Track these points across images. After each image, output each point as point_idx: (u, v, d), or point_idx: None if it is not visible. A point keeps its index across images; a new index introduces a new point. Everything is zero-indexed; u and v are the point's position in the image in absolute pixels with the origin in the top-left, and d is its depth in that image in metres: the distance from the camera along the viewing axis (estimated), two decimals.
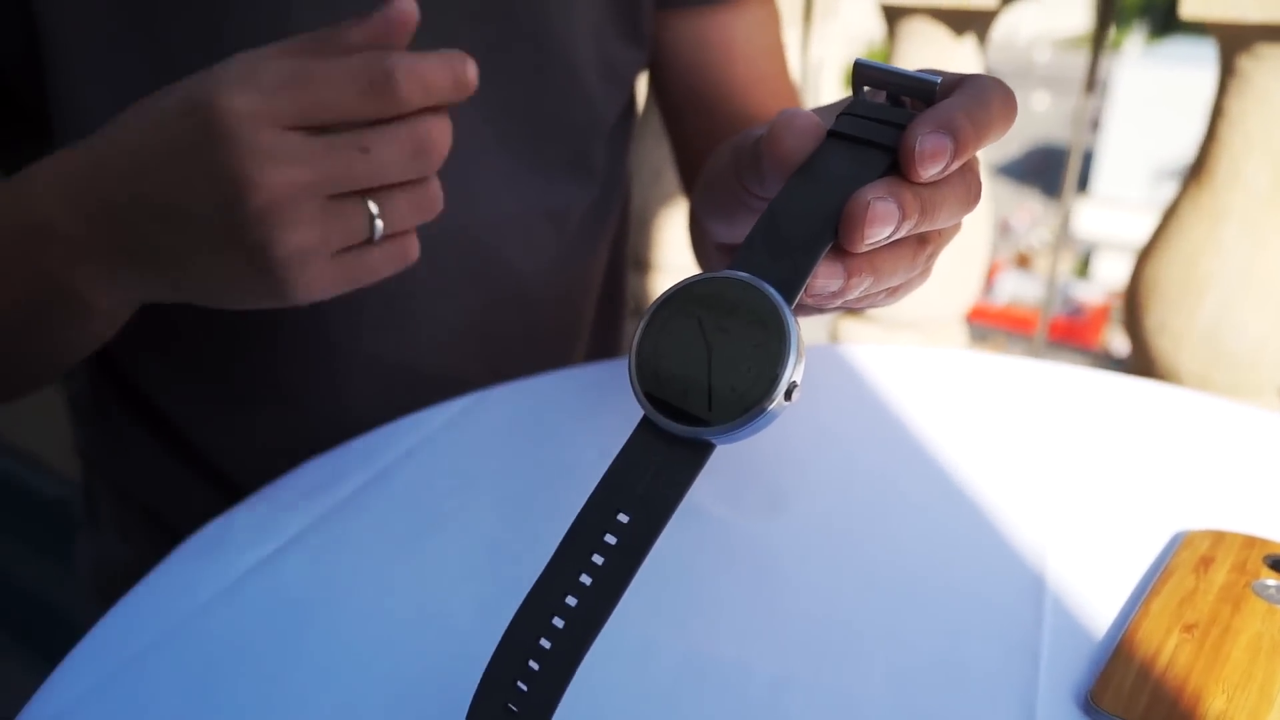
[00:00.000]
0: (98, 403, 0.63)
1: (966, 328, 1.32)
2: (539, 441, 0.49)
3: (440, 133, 0.37)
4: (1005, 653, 0.36)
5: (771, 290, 0.29)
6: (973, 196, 0.33)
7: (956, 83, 0.32)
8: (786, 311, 0.28)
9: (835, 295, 0.31)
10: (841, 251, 0.30)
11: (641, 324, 0.30)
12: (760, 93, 0.67)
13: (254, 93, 0.34)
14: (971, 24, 1.08)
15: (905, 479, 0.47)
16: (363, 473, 0.46)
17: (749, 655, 0.35)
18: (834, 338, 1.33)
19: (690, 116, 0.68)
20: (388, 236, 0.39)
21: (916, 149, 0.30)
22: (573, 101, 0.60)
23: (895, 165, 0.31)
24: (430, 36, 0.53)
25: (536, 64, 0.57)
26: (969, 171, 0.33)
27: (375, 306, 0.57)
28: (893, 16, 1.12)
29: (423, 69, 0.36)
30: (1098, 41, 1.27)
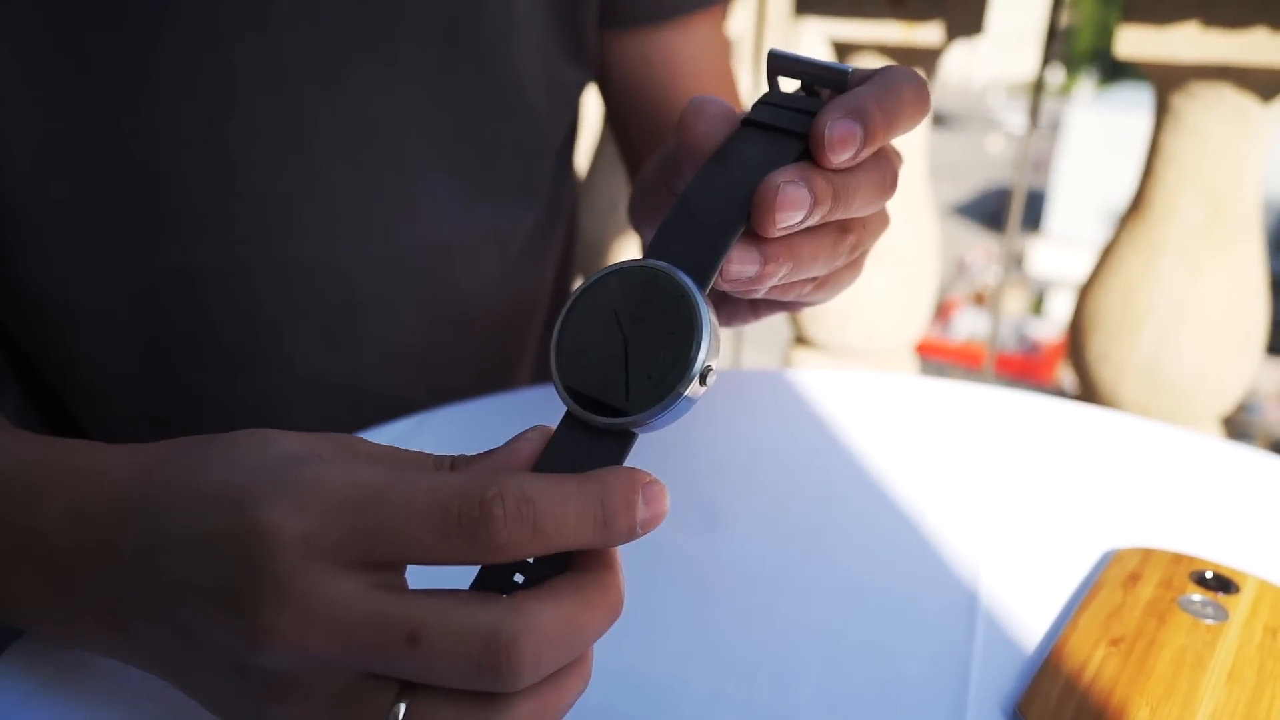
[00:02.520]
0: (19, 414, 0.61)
1: (918, 360, 1.33)
2: None
3: (530, 644, 0.24)
4: (937, 666, 0.36)
5: (684, 276, 0.29)
6: (888, 185, 0.33)
7: (869, 75, 0.33)
8: (699, 296, 0.28)
9: (753, 281, 0.31)
10: (757, 237, 0.31)
11: (561, 318, 0.30)
12: None
13: (315, 515, 0.25)
14: (918, 61, 1.10)
15: (843, 498, 0.47)
16: None
17: (682, 671, 0.35)
18: (786, 364, 1.34)
19: (638, 137, 0.68)
20: None
21: (826, 134, 0.30)
22: (518, 122, 0.60)
23: (808, 152, 0.31)
24: (373, 59, 0.53)
25: (481, 85, 0.57)
26: (884, 160, 0.33)
27: (316, 327, 0.57)
28: (842, 52, 1.14)
29: (548, 507, 0.25)
30: (1038, 86, 1.30)
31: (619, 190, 1.30)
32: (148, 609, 0.28)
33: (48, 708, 0.32)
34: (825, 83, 0.33)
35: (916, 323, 1.21)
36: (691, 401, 0.28)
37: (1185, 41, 0.83)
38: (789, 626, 0.38)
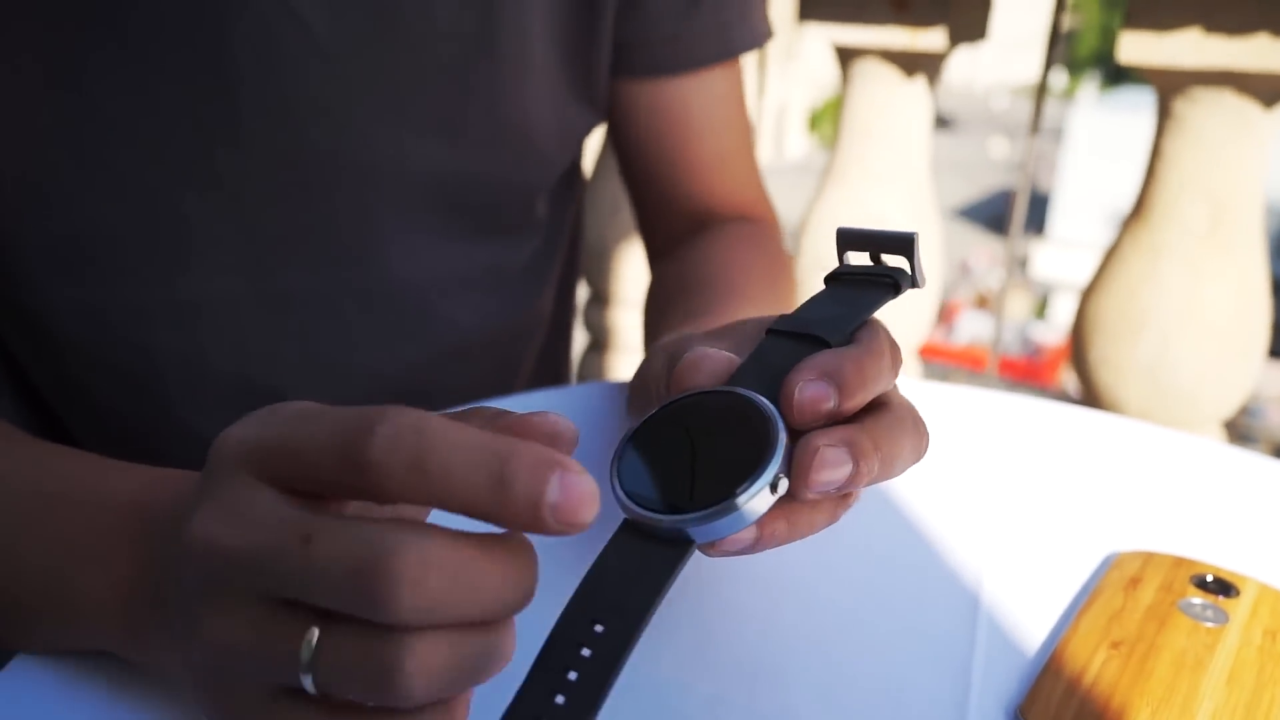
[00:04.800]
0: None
1: (921, 363, 1.34)
2: None
3: (419, 567, 0.23)
4: (938, 671, 0.36)
5: (757, 395, 0.30)
6: (923, 443, 0.33)
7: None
8: (773, 411, 0.29)
9: (749, 548, 0.30)
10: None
11: (626, 435, 0.30)
12: (718, 171, 0.65)
13: (254, 426, 0.27)
14: (921, 66, 1.11)
15: None
16: None
17: (684, 674, 0.35)
18: None
19: (645, 185, 0.67)
20: (325, 701, 0.25)
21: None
22: (526, 166, 0.59)
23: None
24: (380, 100, 0.52)
25: (491, 128, 0.56)
26: (916, 417, 0.33)
27: (308, 360, 0.57)
28: (845, 57, 1.15)
29: (437, 442, 0.24)
30: (1041, 88, 1.31)
31: (620, 193, 1.30)
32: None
33: (75, 699, 0.33)
34: (891, 250, 0.34)
35: (920, 326, 1.21)
36: (756, 513, 0.28)
37: (1187, 47, 0.84)
38: (790, 630, 0.38)
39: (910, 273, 0.34)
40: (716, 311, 0.49)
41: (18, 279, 0.51)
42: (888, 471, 0.30)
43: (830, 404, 0.29)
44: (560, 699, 0.25)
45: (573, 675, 0.25)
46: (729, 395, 0.30)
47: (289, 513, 0.25)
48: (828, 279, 0.35)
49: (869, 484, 0.30)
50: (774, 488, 0.28)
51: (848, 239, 0.35)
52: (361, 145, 0.52)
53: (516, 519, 0.23)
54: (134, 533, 0.31)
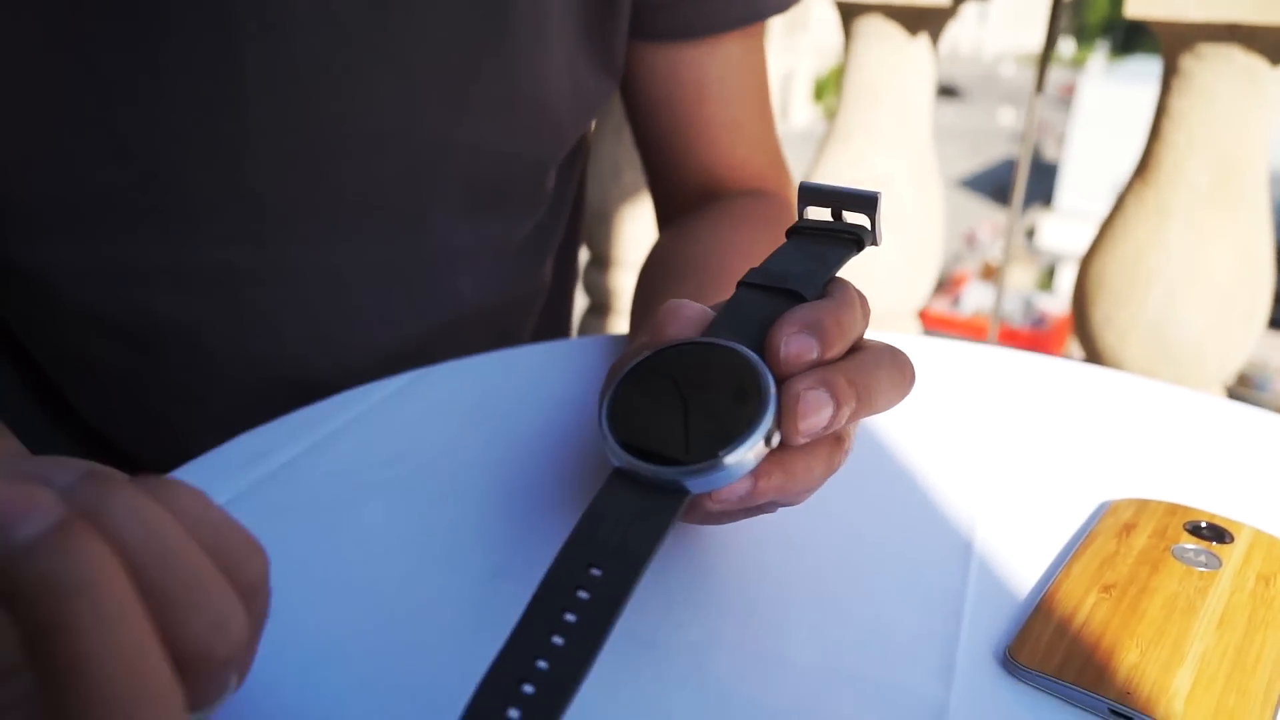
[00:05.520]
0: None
1: (925, 332, 1.33)
2: (478, 417, 0.49)
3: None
4: (929, 612, 0.36)
5: (742, 347, 0.30)
6: (907, 379, 0.34)
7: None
8: (761, 364, 0.30)
9: (743, 500, 0.30)
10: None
11: (614, 385, 0.31)
12: (731, 139, 0.64)
13: None
14: (925, 23, 1.09)
15: None
16: (297, 444, 0.46)
17: (678, 615, 0.35)
18: None
19: (656, 150, 0.66)
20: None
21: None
22: (540, 137, 0.58)
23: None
24: (392, 68, 0.51)
25: (504, 98, 0.55)
26: (898, 354, 0.34)
27: (308, 331, 0.56)
28: (848, 14, 1.13)
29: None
30: (1045, 56, 1.29)
31: (624, 156, 1.29)
32: None
33: None
34: (853, 208, 0.35)
35: (921, 289, 1.21)
36: (751, 465, 0.29)
37: (1193, 0, 0.82)
38: (783, 572, 0.38)
39: (871, 230, 0.35)
40: (706, 298, 0.49)
41: (21, 237, 0.50)
42: (868, 406, 0.32)
43: (814, 355, 0.31)
44: (558, 640, 0.25)
45: (570, 617, 0.25)
46: (713, 347, 0.31)
47: None
48: (790, 232, 0.36)
49: (852, 420, 0.31)
50: (768, 440, 0.29)
51: (811, 194, 0.36)
52: (370, 114, 0.51)
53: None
54: None
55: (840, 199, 0.35)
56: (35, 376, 0.60)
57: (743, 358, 0.30)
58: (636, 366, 0.31)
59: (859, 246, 0.35)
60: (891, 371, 0.33)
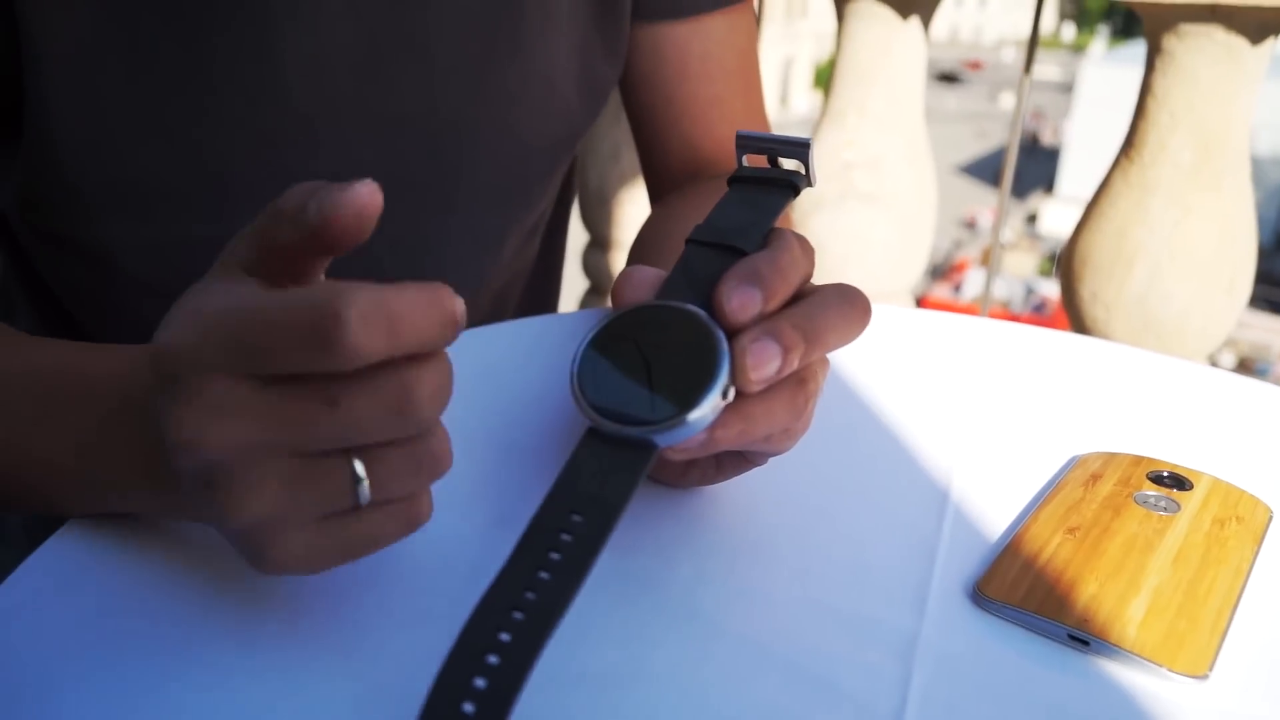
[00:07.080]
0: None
1: (915, 304, 1.35)
2: (471, 389, 0.52)
3: (427, 383, 0.28)
4: (905, 554, 0.39)
5: (694, 307, 0.33)
6: (859, 315, 0.36)
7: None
8: (711, 322, 0.32)
9: (704, 447, 0.33)
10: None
11: (579, 350, 0.34)
12: (714, 116, 0.66)
13: (190, 330, 0.28)
14: (916, 6, 1.11)
15: (826, 409, 0.49)
16: None
17: (668, 554, 0.38)
18: None
19: (642, 127, 0.68)
20: (385, 500, 0.30)
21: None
22: (551, 118, 0.60)
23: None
24: (410, 54, 0.53)
25: (517, 81, 0.57)
26: (850, 291, 0.36)
27: None
28: None
29: (389, 309, 0.26)
30: (1032, 41, 1.31)
31: (623, 138, 1.31)
32: (128, 463, 0.34)
33: (107, 575, 0.35)
34: (788, 154, 0.38)
35: (915, 269, 1.23)
36: (710, 419, 0.32)
37: None
38: (768, 518, 0.41)
39: (805, 174, 0.38)
40: None
41: (82, 217, 0.53)
42: (820, 346, 0.34)
43: (758, 305, 0.33)
44: (544, 575, 0.28)
45: (555, 556, 0.29)
46: (667, 309, 0.34)
47: (297, 391, 0.27)
48: (730, 180, 0.39)
49: (804, 361, 0.33)
50: (725, 394, 0.32)
51: (747, 143, 0.39)
52: (391, 99, 0.54)
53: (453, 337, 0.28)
54: (128, 418, 0.34)
55: (775, 146, 0.38)
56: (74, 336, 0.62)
57: (695, 317, 0.33)
58: (600, 332, 0.34)
59: (795, 192, 0.38)
60: (842, 308, 0.35)
